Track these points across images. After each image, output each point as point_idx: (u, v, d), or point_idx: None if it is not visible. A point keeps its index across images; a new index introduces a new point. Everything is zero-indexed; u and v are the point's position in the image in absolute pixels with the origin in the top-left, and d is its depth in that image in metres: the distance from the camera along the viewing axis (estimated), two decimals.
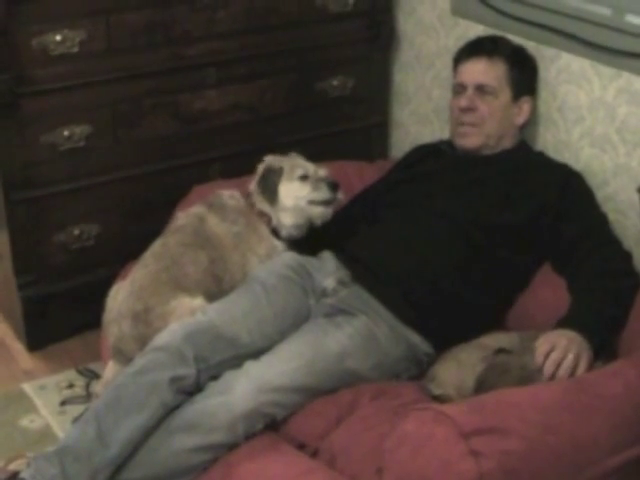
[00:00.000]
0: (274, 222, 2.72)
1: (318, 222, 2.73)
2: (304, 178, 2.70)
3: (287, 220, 2.71)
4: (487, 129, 2.79)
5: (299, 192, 2.70)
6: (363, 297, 2.54)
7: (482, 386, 2.29)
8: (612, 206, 2.78)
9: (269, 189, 2.70)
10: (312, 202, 2.70)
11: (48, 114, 2.95)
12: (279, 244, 2.72)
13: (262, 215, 2.72)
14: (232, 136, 3.32)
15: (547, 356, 2.26)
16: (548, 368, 2.25)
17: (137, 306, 2.50)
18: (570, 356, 2.26)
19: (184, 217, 2.70)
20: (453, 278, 2.59)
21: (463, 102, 2.80)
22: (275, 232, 2.72)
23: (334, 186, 2.71)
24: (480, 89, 2.79)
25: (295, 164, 2.73)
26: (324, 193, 2.71)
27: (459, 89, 2.85)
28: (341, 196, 2.76)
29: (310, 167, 2.73)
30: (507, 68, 2.81)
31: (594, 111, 2.83)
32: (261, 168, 2.76)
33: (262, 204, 2.72)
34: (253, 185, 2.76)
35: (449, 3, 3.28)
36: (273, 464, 2.20)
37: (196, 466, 2.24)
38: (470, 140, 2.82)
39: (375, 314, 2.50)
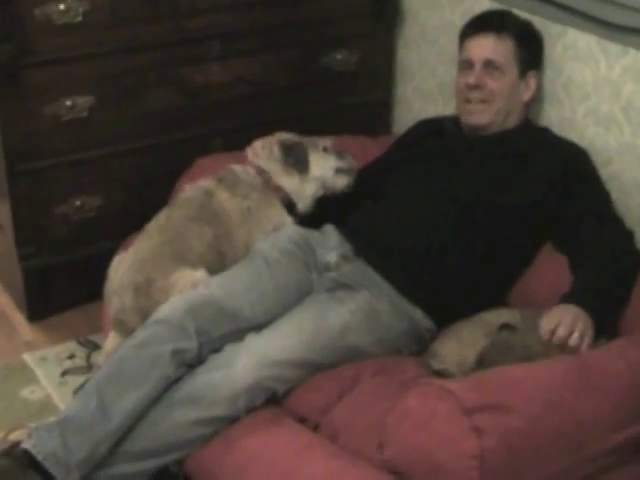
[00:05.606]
0: (294, 195, 2.72)
1: (344, 189, 2.78)
2: (326, 149, 2.75)
3: (310, 191, 2.73)
4: (496, 105, 2.77)
5: (327, 162, 2.75)
6: (366, 272, 2.54)
7: (484, 362, 2.28)
8: (616, 185, 2.76)
9: (300, 160, 2.71)
10: (339, 171, 2.75)
11: (51, 85, 2.92)
12: (290, 220, 2.71)
13: (279, 190, 2.71)
14: (235, 110, 3.30)
15: (553, 332, 2.26)
16: (555, 345, 2.25)
17: (138, 278, 2.50)
18: (576, 333, 2.26)
19: (191, 190, 2.68)
20: (455, 255, 2.58)
21: (471, 80, 2.78)
22: (289, 207, 2.72)
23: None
24: (488, 65, 2.77)
25: (310, 138, 2.77)
26: (349, 161, 2.78)
27: (466, 65, 2.83)
28: (357, 164, 2.82)
29: (323, 140, 2.78)
30: (515, 45, 2.78)
31: (599, 89, 2.81)
32: (276, 143, 2.74)
33: (281, 179, 2.72)
34: (265, 161, 2.73)
35: None
36: (274, 438, 2.20)
37: (197, 439, 2.25)
38: (479, 117, 2.80)
39: (377, 289, 2.50)
